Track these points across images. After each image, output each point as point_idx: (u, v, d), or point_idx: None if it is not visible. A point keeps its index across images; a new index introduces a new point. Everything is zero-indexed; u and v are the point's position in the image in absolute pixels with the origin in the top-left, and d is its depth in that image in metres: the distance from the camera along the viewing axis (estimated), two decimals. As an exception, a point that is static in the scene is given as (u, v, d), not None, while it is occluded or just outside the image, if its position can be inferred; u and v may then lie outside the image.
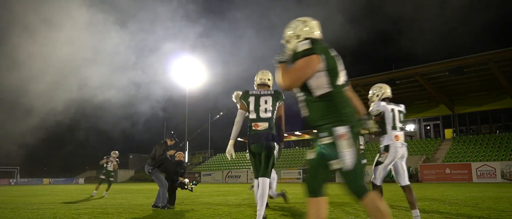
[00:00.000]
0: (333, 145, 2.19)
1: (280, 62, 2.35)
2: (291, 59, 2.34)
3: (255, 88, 4.61)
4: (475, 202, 7.32)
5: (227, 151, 4.53)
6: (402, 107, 4.55)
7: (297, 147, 42.18)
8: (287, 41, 2.63)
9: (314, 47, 2.27)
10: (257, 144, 4.28)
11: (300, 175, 29.44)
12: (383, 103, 4.40)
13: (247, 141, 4.49)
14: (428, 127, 33.92)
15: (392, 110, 4.39)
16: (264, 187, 4.13)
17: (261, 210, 4.06)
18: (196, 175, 37.09)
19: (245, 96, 4.44)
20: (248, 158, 4.56)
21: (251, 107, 4.35)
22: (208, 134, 48.35)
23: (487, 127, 30.94)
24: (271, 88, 4.65)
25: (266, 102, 4.35)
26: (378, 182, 4.38)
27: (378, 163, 4.38)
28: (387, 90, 4.60)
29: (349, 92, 2.51)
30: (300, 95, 2.41)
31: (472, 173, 22.34)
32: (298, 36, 2.57)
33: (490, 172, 21.79)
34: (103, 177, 12.54)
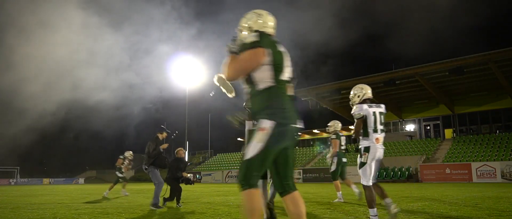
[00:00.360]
0: (252, 133, 2.25)
1: (231, 52, 2.37)
2: (239, 50, 2.36)
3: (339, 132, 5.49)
4: (475, 202, 7.32)
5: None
6: (382, 108, 4.59)
7: (297, 147, 42.19)
8: (240, 31, 2.66)
9: (261, 40, 2.30)
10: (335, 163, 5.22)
11: (300, 175, 29.43)
12: (365, 106, 4.44)
13: (331, 163, 5.50)
14: (428, 127, 33.92)
15: (374, 113, 4.45)
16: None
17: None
18: (197, 175, 37.07)
19: (338, 136, 5.96)
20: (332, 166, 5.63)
21: (342, 142, 5.32)
22: (208, 134, 48.36)
23: (487, 127, 30.94)
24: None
25: (343, 140, 5.33)
26: (370, 182, 4.41)
27: (363, 164, 4.44)
28: (368, 91, 4.65)
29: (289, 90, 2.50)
30: (245, 87, 2.44)
31: (472, 173, 22.34)
32: (250, 28, 2.59)
33: (490, 172, 21.78)
34: (121, 176, 12.40)
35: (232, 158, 41.31)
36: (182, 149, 8.19)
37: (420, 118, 34.02)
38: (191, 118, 47.11)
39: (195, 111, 49.18)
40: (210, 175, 35.91)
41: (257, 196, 2.21)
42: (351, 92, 4.71)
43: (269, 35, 2.46)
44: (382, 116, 4.51)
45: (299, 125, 2.36)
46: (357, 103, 4.57)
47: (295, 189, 2.31)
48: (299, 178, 29.28)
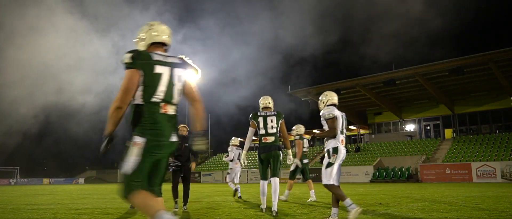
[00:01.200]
0: (127, 148, 2.50)
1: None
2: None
3: (260, 110, 5.84)
4: (475, 202, 7.32)
5: (241, 159, 6.01)
6: (344, 115, 4.99)
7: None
8: (137, 43, 2.79)
9: (134, 62, 2.48)
10: (267, 153, 5.50)
11: (300, 175, 29.41)
12: (335, 109, 4.77)
13: (258, 150, 5.67)
14: (428, 127, 33.92)
15: (342, 116, 4.84)
16: (276, 184, 5.47)
17: (275, 202, 5.40)
18: (196, 175, 37.06)
19: (255, 117, 5.68)
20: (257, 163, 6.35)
21: (261, 125, 5.60)
22: (208, 134, 48.37)
23: (487, 127, 30.93)
24: (272, 109, 5.86)
25: (271, 121, 5.61)
26: (331, 181, 4.62)
27: (330, 164, 4.63)
28: (334, 98, 4.96)
29: (197, 107, 2.81)
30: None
31: (472, 173, 22.34)
32: (143, 40, 2.72)
33: (490, 172, 21.78)
34: None
35: (232, 158, 41.28)
36: (184, 125, 6.91)
37: (420, 118, 34.02)
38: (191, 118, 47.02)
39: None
40: (210, 175, 35.91)
41: (144, 195, 2.44)
42: (320, 98, 5.05)
43: (145, 54, 2.57)
44: (345, 121, 4.91)
45: (173, 140, 2.60)
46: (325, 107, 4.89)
47: (159, 196, 2.67)
48: (299, 178, 29.27)
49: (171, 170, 7.20)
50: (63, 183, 44.21)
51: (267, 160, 5.52)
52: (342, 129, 4.80)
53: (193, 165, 6.74)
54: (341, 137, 4.73)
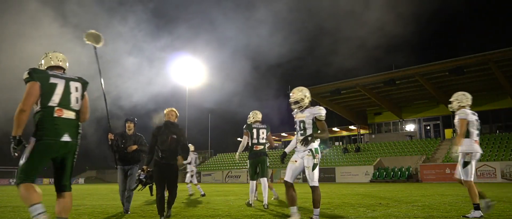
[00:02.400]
0: (24, 148, 3.05)
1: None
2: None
3: (253, 123, 7.00)
4: (475, 202, 7.31)
5: (236, 156, 7.41)
6: None
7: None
8: (39, 66, 3.45)
9: (31, 76, 3.06)
10: (256, 159, 6.73)
11: (300, 175, 29.43)
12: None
13: (249, 156, 6.79)
14: (428, 127, 33.91)
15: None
16: (265, 183, 6.69)
17: (266, 197, 6.60)
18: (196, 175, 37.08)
19: (249, 128, 6.85)
20: (247, 166, 7.03)
21: (254, 136, 6.78)
22: (208, 134, 48.35)
23: (487, 127, 30.93)
24: (261, 121, 7.06)
25: (262, 133, 6.84)
26: (317, 183, 4.54)
27: (316, 166, 4.52)
28: (308, 94, 4.97)
29: (82, 117, 3.40)
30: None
31: (472, 173, 22.33)
32: (41, 65, 3.40)
33: (490, 172, 21.78)
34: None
35: (232, 158, 41.32)
36: (173, 109, 5.26)
37: (420, 118, 34.02)
38: (191, 118, 47.10)
39: (195, 111, 49.17)
40: (210, 175, 35.92)
41: (31, 188, 3.01)
42: (299, 95, 4.83)
43: (40, 70, 3.22)
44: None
45: (66, 139, 3.15)
46: (307, 105, 4.77)
47: (69, 191, 3.60)
48: (299, 178, 29.29)
49: (142, 181, 6.96)
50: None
51: (256, 164, 6.72)
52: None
53: (179, 160, 4.89)
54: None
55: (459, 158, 5.25)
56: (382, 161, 28.04)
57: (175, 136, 4.87)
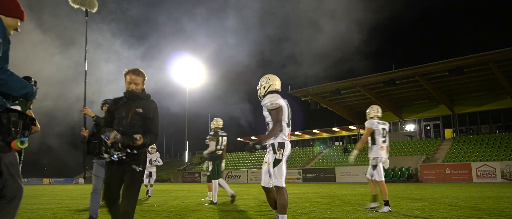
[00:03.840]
0: None
1: None
2: None
3: (219, 130, 8.24)
4: (475, 202, 7.32)
5: (205, 165, 7.86)
6: (287, 103, 4.14)
7: (297, 147, 42.17)
8: None
9: None
10: (219, 161, 8.22)
11: (300, 175, 29.43)
12: (280, 98, 3.97)
13: (213, 159, 8.07)
14: (428, 127, 33.91)
15: (287, 106, 4.02)
16: (222, 183, 8.40)
17: (228, 189, 8.27)
18: (196, 175, 37.06)
19: (216, 134, 8.09)
20: (208, 167, 8.30)
21: (219, 142, 8.10)
22: (208, 134, 48.37)
23: (487, 127, 30.93)
24: (222, 128, 8.36)
25: (224, 140, 8.27)
26: (282, 183, 3.88)
27: (278, 162, 3.86)
28: (276, 83, 4.14)
29: None
30: None
31: (472, 173, 22.34)
32: None
33: (490, 172, 21.78)
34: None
35: (232, 158, 41.32)
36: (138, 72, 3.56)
37: (420, 118, 34.01)
38: (191, 118, 47.09)
39: (195, 110, 49.19)
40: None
41: None
42: (260, 83, 4.20)
43: None
44: (290, 110, 4.10)
45: None
46: (264, 95, 4.10)
47: None
48: (299, 178, 29.28)
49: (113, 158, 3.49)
50: (63, 183, 44.21)
51: (218, 166, 8.20)
52: (289, 121, 3.98)
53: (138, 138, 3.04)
54: (288, 130, 3.95)
55: (370, 162, 6.32)
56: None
57: (140, 110, 3.16)
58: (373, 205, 6.12)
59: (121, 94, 3.32)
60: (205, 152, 8.31)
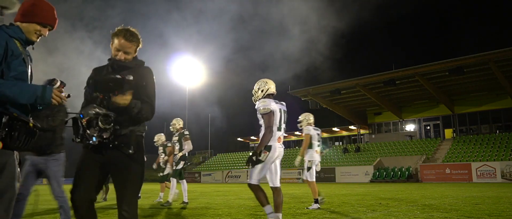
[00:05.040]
0: None
1: None
2: None
3: (175, 132, 8.09)
4: (475, 202, 7.32)
5: (180, 165, 8.00)
6: (284, 106, 4.31)
7: (297, 147, 42.16)
8: None
9: None
10: (184, 162, 7.97)
11: (300, 175, 29.43)
12: (272, 102, 4.08)
13: (184, 158, 7.95)
14: (428, 127, 33.91)
15: (280, 110, 4.15)
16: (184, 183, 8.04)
17: (185, 197, 7.89)
18: (196, 175, 37.06)
19: (183, 135, 7.96)
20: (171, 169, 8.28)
21: (177, 146, 7.96)
22: (208, 134, 48.40)
23: (487, 127, 30.92)
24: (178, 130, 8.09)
25: (179, 143, 7.98)
26: (256, 181, 3.95)
27: (258, 162, 3.94)
28: (271, 86, 4.28)
29: None
30: None
31: (472, 173, 22.34)
32: None
33: (490, 172, 21.78)
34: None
35: (232, 158, 41.32)
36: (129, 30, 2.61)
37: (420, 118, 34.01)
38: (191, 118, 47.10)
39: (195, 110, 49.19)
40: (210, 175, 35.91)
41: None
42: (255, 87, 4.32)
43: None
44: (285, 114, 4.24)
45: None
46: (261, 98, 4.18)
47: None
48: (299, 178, 29.27)
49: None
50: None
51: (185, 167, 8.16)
52: (280, 125, 4.11)
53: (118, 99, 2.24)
54: (278, 134, 4.07)
55: (305, 165, 6.88)
56: (382, 161, 28.04)
57: (130, 77, 2.33)
58: (323, 200, 6.76)
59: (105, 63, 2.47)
60: (184, 152, 7.79)
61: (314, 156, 6.78)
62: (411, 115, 34.24)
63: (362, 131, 38.50)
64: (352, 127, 39.82)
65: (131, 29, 2.43)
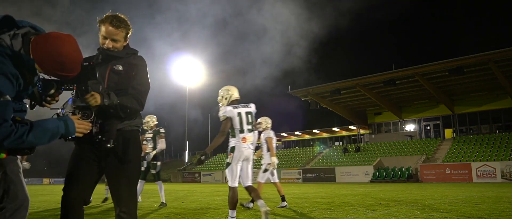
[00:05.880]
0: None
1: None
2: None
3: (149, 130, 7.73)
4: (475, 202, 7.32)
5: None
6: (251, 107, 4.58)
7: (297, 147, 42.16)
8: None
9: None
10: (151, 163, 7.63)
11: (300, 175, 29.42)
12: (229, 108, 4.43)
13: (159, 159, 7.71)
14: (428, 127, 33.91)
15: (239, 114, 4.45)
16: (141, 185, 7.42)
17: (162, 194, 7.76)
18: (196, 175, 37.05)
19: (158, 132, 7.62)
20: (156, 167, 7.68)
21: (150, 145, 7.57)
22: (208, 134, 48.40)
23: (487, 127, 30.93)
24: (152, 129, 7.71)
25: (154, 141, 7.62)
26: (232, 184, 4.33)
27: (228, 164, 4.45)
28: (234, 93, 4.65)
29: None
30: None
31: (472, 173, 22.34)
32: None
33: (490, 172, 21.78)
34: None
35: (232, 158, 41.23)
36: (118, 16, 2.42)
37: (420, 118, 34.01)
38: (191, 118, 47.11)
39: (195, 111, 49.20)
40: (210, 175, 35.91)
41: None
42: (219, 94, 4.72)
43: None
44: (249, 116, 4.51)
45: None
46: (224, 106, 4.58)
47: None
48: (299, 178, 29.26)
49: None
50: (63, 183, 44.13)
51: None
52: (241, 127, 4.42)
53: (93, 96, 1.99)
54: (241, 136, 4.41)
55: (262, 167, 6.96)
56: (382, 161, 28.04)
57: (119, 67, 2.25)
58: (283, 204, 6.81)
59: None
60: (158, 150, 7.49)
61: (273, 158, 6.75)
62: (411, 115, 34.24)
63: (362, 131, 38.50)
64: (352, 127, 39.82)
65: (119, 15, 2.26)
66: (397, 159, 27.64)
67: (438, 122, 33.25)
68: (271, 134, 7.06)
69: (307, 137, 46.24)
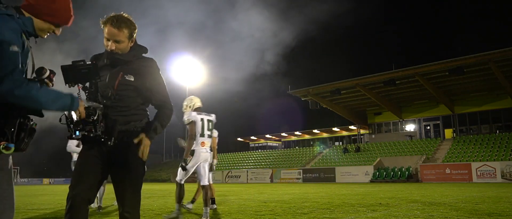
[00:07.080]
0: None
1: None
2: None
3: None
4: (475, 202, 7.33)
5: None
6: (212, 117, 5.22)
7: (297, 147, 42.17)
8: None
9: None
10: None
11: (300, 175, 29.42)
12: (193, 113, 5.04)
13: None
14: (428, 127, 33.91)
15: (202, 120, 5.04)
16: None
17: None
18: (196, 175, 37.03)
19: None
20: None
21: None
22: (208, 134, 48.34)
23: (487, 127, 30.93)
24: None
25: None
26: (180, 180, 5.17)
27: (185, 167, 5.03)
28: (197, 102, 5.37)
29: None
30: None
31: (472, 173, 22.34)
32: None
33: (490, 172, 21.78)
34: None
35: (232, 158, 41.32)
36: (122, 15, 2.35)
37: (420, 118, 34.02)
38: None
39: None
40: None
41: None
42: (184, 103, 5.41)
43: None
44: (210, 123, 5.13)
45: None
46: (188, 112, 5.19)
47: None
48: (299, 178, 29.27)
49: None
50: (63, 183, 44.19)
51: None
52: (203, 132, 5.03)
53: (144, 145, 2.16)
54: (201, 140, 4.99)
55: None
56: (382, 161, 28.04)
57: (131, 78, 2.18)
58: (213, 206, 6.48)
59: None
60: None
61: (214, 161, 5.91)
62: (411, 114, 34.25)
63: (362, 131, 38.51)
64: (352, 127, 39.82)
65: (122, 14, 2.16)
66: (397, 159, 27.65)
67: (438, 122, 33.26)
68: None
69: (307, 137, 46.24)
